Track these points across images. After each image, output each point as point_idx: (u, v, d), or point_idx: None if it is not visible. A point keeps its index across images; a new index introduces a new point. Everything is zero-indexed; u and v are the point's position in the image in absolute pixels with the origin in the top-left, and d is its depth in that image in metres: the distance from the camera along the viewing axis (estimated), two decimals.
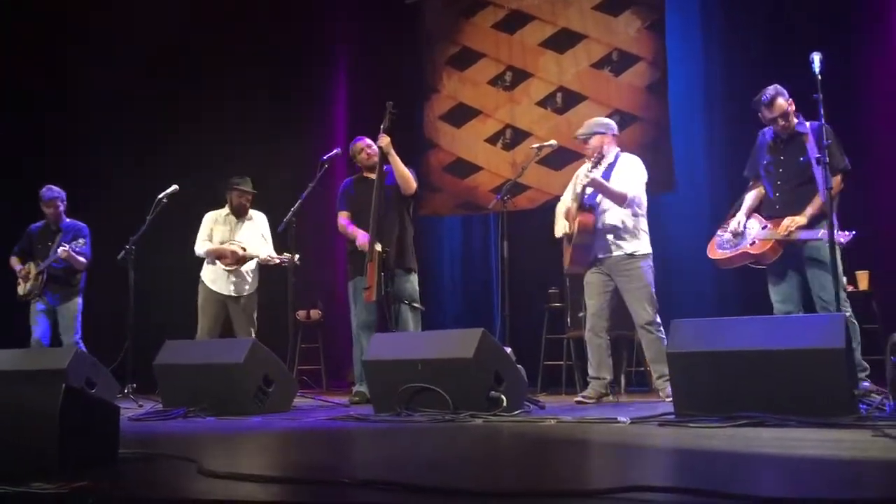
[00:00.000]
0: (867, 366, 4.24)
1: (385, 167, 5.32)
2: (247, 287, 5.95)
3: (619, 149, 4.98)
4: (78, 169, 7.80)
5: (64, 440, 2.07)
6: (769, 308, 4.53)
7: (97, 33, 7.97)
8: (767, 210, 4.55)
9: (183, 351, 4.81)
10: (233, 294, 5.90)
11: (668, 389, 4.77)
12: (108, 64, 7.87)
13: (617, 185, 4.76)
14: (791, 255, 4.39)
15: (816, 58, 4.04)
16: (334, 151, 5.71)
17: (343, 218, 5.48)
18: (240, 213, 6.05)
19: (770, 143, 4.54)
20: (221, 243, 5.95)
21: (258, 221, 6.10)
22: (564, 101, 7.37)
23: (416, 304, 5.23)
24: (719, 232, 4.62)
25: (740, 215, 4.55)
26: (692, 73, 6.93)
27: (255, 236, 6.02)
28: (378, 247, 5.05)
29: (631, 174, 4.82)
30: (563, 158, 7.02)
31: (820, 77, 4.01)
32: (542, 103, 7.47)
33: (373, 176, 5.35)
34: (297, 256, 5.57)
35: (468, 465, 2.40)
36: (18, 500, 1.75)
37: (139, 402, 5.21)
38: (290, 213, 5.37)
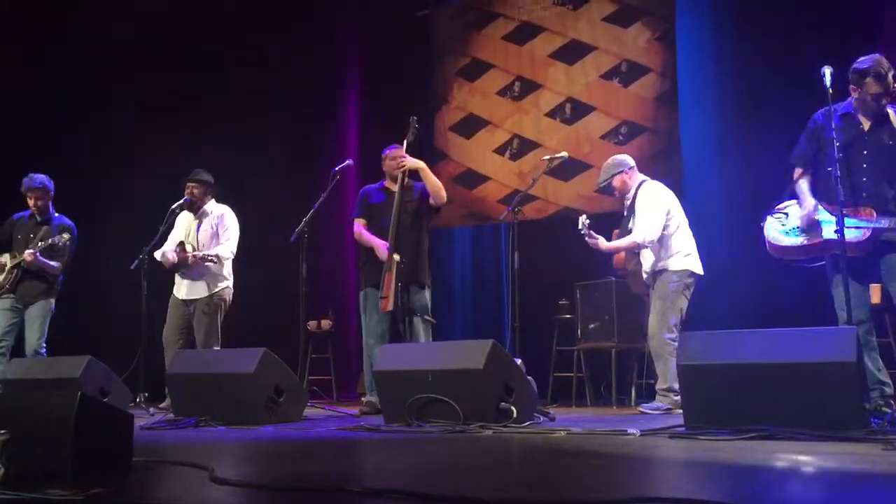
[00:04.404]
0: None
1: (408, 181, 5.33)
2: (200, 290, 5.70)
3: (641, 178, 5.11)
4: (88, 174, 7.85)
5: (79, 448, 2.09)
6: (780, 320, 4.49)
7: (100, 33, 8.00)
8: (844, 197, 3.85)
9: (194, 361, 4.84)
10: (186, 298, 5.73)
11: (651, 405, 4.77)
12: (109, 67, 7.92)
13: (632, 234, 4.94)
14: (873, 250, 3.96)
15: (827, 71, 4.00)
16: (346, 162, 5.74)
17: (359, 225, 5.43)
18: (194, 208, 5.84)
19: (846, 126, 4.05)
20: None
21: (212, 216, 5.84)
22: (573, 111, 7.39)
23: (428, 317, 5.23)
24: (773, 221, 4.20)
25: (811, 202, 4.07)
26: (703, 83, 6.93)
27: (207, 234, 5.79)
28: (396, 257, 5.06)
29: (641, 215, 4.95)
30: (572, 169, 7.04)
31: (831, 90, 3.99)
32: (551, 114, 7.49)
33: (395, 187, 5.35)
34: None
35: (478, 475, 2.40)
36: None
37: (151, 411, 5.24)
38: (302, 223, 5.39)
